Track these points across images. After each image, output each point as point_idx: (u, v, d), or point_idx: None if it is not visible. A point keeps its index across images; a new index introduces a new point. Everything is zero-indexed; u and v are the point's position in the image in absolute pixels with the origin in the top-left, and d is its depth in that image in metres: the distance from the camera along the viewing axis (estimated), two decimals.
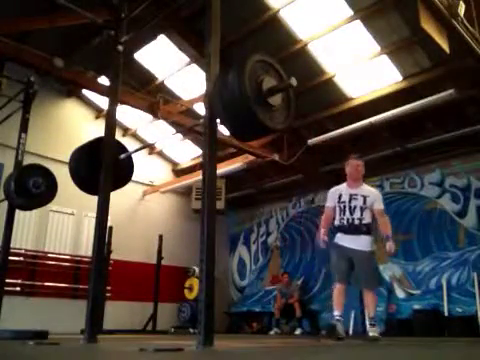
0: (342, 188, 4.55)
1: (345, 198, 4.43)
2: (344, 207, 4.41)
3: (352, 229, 4.35)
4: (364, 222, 4.35)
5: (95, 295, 3.34)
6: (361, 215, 4.35)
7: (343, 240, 4.40)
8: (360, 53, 6.74)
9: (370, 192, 4.50)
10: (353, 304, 8.31)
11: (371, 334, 4.31)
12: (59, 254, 8.50)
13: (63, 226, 8.68)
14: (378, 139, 8.06)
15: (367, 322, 4.78)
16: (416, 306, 7.58)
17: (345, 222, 4.39)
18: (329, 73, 7.19)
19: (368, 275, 4.35)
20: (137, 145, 8.90)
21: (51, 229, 8.52)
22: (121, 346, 3.64)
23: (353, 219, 4.36)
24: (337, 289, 4.39)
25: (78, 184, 3.96)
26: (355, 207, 4.36)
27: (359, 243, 4.32)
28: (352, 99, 7.51)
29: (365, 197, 4.40)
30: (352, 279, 4.40)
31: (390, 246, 4.31)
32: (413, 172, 8.40)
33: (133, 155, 4.05)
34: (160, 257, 9.41)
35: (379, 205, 4.42)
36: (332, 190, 4.64)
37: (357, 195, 4.40)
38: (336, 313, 4.31)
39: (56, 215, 8.57)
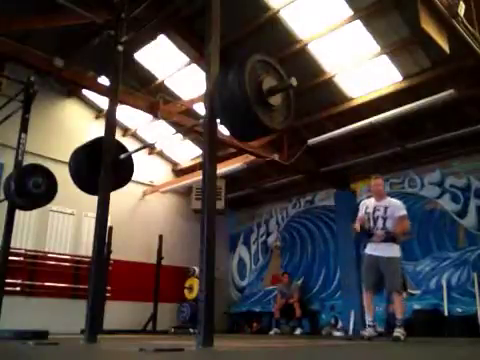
0: (370, 201, 5.11)
1: (370, 210, 4.97)
2: (368, 218, 4.95)
3: (376, 238, 4.83)
4: (387, 231, 4.81)
5: (95, 295, 3.34)
6: (383, 225, 4.85)
7: (370, 249, 4.91)
8: (360, 53, 6.73)
9: (391, 203, 4.98)
10: (353, 304, 8.33)
11: (394, 334, 4.62)
12: (59, 254, 8.50)
13: (63, 226, 8.68)
14: (378, 139, 8.06)
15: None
16: (416, 306, 7.58)
17: (372, 231, 4.90)
18: (329, 73, 7.19)
19: (391, 278, 4.74)
20: (137, 145, 8.90)
21: (51, 229, 8.52)
22: (121, 346, 3.64)
23: (377, 229, 4.86)
24: (366, 296, 4.94)
25: (78, 184, 3.96)
26: (377, 217, 4.89)
27: (383, 250, 4.79)
28: (352, 99, 7.51)
29: (386, 208, 4.90)
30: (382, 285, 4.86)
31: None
32: (413, 172, 8.40)
33: (133, 155, 4.05)
34: (160, 257, 9.41)
35: (399, 212, 4.90)
36: (363, 202, 5.24)
37: (380, 206, 4.93)
38: (368, 319, 4.86)
39: (56, 215, 8.57)
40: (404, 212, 4.92)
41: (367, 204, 5.08)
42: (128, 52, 7.00)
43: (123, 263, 9.06)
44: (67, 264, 8.57)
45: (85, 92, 8.91)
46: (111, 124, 3.84)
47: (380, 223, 4.87)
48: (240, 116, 2.84)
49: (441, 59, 6.14)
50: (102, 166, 3.59)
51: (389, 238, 4.80)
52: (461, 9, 4.65)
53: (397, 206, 4.95)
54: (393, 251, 4.79)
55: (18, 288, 7.69)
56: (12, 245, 4.99)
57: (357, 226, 5.02)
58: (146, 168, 9.82)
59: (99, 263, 3.47)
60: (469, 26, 4.83)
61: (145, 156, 10.10)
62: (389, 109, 6.94)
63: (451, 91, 6.25)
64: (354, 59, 6.84)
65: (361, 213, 5.09)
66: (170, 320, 9.45)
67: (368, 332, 4.77)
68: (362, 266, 5.09)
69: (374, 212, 4.92)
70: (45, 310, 7.66)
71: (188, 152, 10.16)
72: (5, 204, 5.01)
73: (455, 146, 7.63)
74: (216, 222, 2.75)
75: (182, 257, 9.81)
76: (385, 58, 6.69)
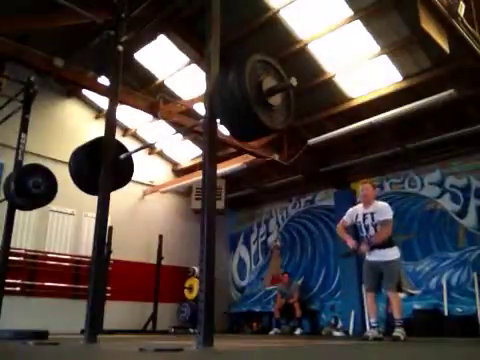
0: (358, 208, 5.08)
1: (360, 218, 4.96)
2: (360, 226, 4.97)
3: (373, 245, 4.83)
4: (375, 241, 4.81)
5: (95, 295, 3.33)
6: (375, 232, 4.85)
7: (370, 255, 4.90)
8: (360, 53, 6.74)
9: (377, 207, 4.93)
10: (353, 304, 8.34)
11: (394, 334, 4.64)
12: (59, 254, 8.49)
13: (63, 226, 8.68)
14: (378, 139, 8.06)
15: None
16: (416, 306, 7.58)
17: (365, 240, 4.92)
18: (329, 73, 7.19)
19: (388, 278, 4.78)
20: (137, 145, 8.90)
21: (51, 229, 8.52)
22: (121, 346, 3.64)
23: (371, 237, 4.86)
24: (368, 297, 5.02)
25: (78, 184, 3.96)
26: (368, 225, 4.88)
27: (382, 255, 4.80)
28: (352, 99, 7.51)
29: (373, 214, 4.88)
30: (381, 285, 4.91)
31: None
32: (413, 172, 8.39)
33: (133, 155, 4.05)
34: (160, 257, 9.41)
35: (381, 216, 4.83)
36: (350, 210, 5.16)
37: (367, 214, 4.91)
38: (372, 320, 4.91)
39: (56, 215, 8.57)
40: (387, 217, 4.81)
41: (357, 212, 5.02)
42: (128, 52, 7.00)
43: (123, 263, 9.06)
44: (67, 264, 8.57)
45: (85, 92, 8.91)
46: (111, 124, 3.83)
47: (372, 231, 4.86)
48: (240, 116, 2.83)
49: (441, 59, 6.15)
50: (102, 166, 3.59)
51: (384, 244, 4.78)
52: (461, 9, 4.65)
53: (382, 210, 4.88)
54: (391, 254, 4.79)
55: (18, 288, 7.68)
56: (12, 245, 4.98)
57: (350, 241, 4.96)
58: (146, 168, 9.82)
59: (99, 263, 3.47)
60: (469, 26, 4.83)
61: (145, 156, 10.10)
62: (389, 109, 6.94)
63: (451, 91, 6.24)
64: (354, 59, 6.84)
65: (347, 219, 5.08)
66: (170, 320, 9.46)
67: (371, 333, 4.77)
68: (363, 269, 5.10)
69: (364, 220, 4.91)
70: (45, 310, 7.66)
71: (188, 152, 10.16)
72: (5, 204, 5.01)
73: (455, 146, 7.63)
74: (216, 222, 2.75)
75: (182, 257, 9.82)
76: (385, 58, 6.69)
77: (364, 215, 4.91)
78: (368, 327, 4.94)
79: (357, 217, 4.99)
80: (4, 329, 4.45)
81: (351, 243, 4.93)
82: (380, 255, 4.79)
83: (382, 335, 4.84)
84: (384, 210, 4.87)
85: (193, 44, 7.27)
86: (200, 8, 6.05)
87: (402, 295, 7.84)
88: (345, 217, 5.14)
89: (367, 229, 4.88)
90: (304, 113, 7.73)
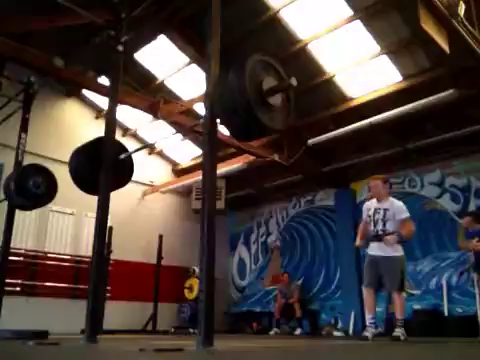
0: (372, 203, 5.06)
1: (371, 212, 4.96)
2: (370, 220, 4.96)
3: (377, 238, 4.84)
4: (387, 232, 4.80)
5: (95, 295, 3.34)
6: (383, 226, 4.84)
7: (371, 249, 4.91)
8: (360, 53, 6.73)
9: (391, 205, 4.91)
10: (353, 304, 8.33)
11: (394, 334, 4.61)
12: (59, 254, 8.49)
13: (63, 226, 8.68)
14: (378, 139, 8.05)
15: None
16: (416, 306, 7.58)
17: (373, 233, 4.93)
18: (329, 73, 7.19)
19: (390, 278, 4.73)
20: (137, 145, 8.90)
21: (51, 229, 8.52)
22: (121, 346, 3.64)
23: (377, 231, 4.87)
24: (366, 292, 4.93)
25: (78, 184, 3.96)
26: (377, 220, 4.88)
27: (384, 250, 4.76)
28: (352, 99, 7.51)
29: (385, 210, 4.86)
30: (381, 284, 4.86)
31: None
32: (413, 172, 8.39)
33: (133, 155, 4.05)
34: (160, 257, 9.41)
35: (401, 215, 4.84)
36: (365, 205, 5.18)
37: (380, 209, 4.90)
38: (368, 317, 4.82)
39: (56, 215, 8.57)
40: (407, 214, 4.85)
41: (369, 206, 5.04)
42: (128, 52, 7.00)
43: (123, 263, 9.06)
44: (67, 264, 8.57)
45: (85, 92, 8.91)
46: (111, 124, 3.84)
47: (380, 225, 4.83)
48: (240, 116, 2.83)
49: (441, 59, 6.14)
50: (102, 166, 3.59)
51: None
52: (461, 9, 4.65)
53: (399, 209, 4.87)
54: (394, 250, 4.74)
55: (18, 288, 7.68)
56: (12, 245, 4.99)
57: (358, 243, 5.11)
58: (146, 168, 9.82)
59: (99, 263, 3.47)
60: (469, 26, 4.83)
61: (145, 156, 10.10)
62: (389, 109, 6.93)
63: (451, 91, 6.24)
64: (354, 59, 6.84)
65: (364, 217, 5.07)
66: (170, 320, 9.46)
67: (369, 332, 4.73)
68: (363, 264, 5.08)
69: (374, 214, 4.89)
70: (45, 310, 7.66)
71: (188, 152, 10.16)
72: (5, 204, 5.01)
73: (455, 146, 7.62)
74: (216, 222, 2.75)
75: (182, 257, 9.81)
76: (385, 58, 6.68)
77: (376, 209, 4.91)
78: (368, 324, 4.86)
79: (369, 211, 4.99)
80: (4, 329, 4.45)
81: (357, 245, 5.10)
82: (382, 249, 4.76)
83: (380, 329, 4.82)
84: (400, 208, 4.88)
85: (193, 44, 7.26)
86: (200, 8, 6.06)
87: (403, 295, 7.86)
88: (363, 216, 5.14)
89: (376, 223, 4.86)
90: (304, 113, 7.73)
